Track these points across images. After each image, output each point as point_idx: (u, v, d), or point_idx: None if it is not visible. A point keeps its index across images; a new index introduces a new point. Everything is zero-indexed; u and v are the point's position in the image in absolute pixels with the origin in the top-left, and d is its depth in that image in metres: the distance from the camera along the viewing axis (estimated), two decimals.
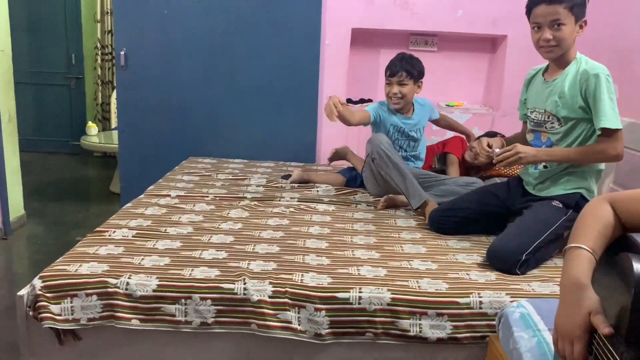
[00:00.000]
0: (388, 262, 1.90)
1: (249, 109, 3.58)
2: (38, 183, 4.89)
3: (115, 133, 5.04)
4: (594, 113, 1.95)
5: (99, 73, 5.90)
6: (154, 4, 3.43)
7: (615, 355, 0.85)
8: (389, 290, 1.68)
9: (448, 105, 3.76)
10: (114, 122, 5.60)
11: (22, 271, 3.28)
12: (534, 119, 2.16)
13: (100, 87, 5.95)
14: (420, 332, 1.63)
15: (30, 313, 1.65)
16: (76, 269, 1.73)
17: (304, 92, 3.52)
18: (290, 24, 3.45)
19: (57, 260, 1.80)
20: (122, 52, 3.44)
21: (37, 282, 1.67)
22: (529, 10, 2.05)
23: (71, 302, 1.67)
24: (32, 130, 5.93)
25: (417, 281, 1.74)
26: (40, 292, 1.66)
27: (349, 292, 1.67)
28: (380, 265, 1.87)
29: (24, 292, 1.67)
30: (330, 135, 3.60)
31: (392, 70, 2.69)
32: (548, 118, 2.10)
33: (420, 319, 1.64)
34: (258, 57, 3.51)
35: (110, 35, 5.80)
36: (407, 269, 1.85)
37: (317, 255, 1.94)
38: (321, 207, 2.55)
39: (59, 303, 1.67)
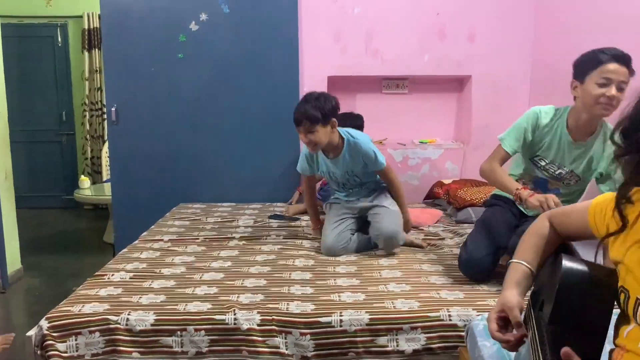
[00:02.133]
0: (367, 287, 2.07)
1: (234, 155, 3.80)
2: (33, 237, 5.01)
3: (106, 185, 5.22)
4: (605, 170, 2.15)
5: (88, 128, 6.11)
6: (142, 62, 3.67)
7: (542, 331, 1.03)
8: (367, 312, 1.84)
9: (422, 142, 4.00)
10: (105, 175, 5.78)
11: (21, 322, 3.38)
12: (552, 173, 2.22)
13: (89, 142, 6.15)
14: (397, 346, 1.80)
15: (38, 352, 1.79)
16: (79, 309, 1.88)
17: (286, 136, 3.74)
18: (270, 74, 3.71)
19: (62, 302, 1.95)
20: (113, 109, 3.67)
21: (44, 323, 1.82)
22: (596, 64, 1.98)
23: (76, 340, 1.82)
24: (26, 187, 6.08)
25: (392, 302, 1.91)
26: (47, 332, 1.80)
27: (331, 316, 1.83)
28: (360, 290, 2.04)
29: (32, 332, 1.81)
30: None
31: (295, 120, 2.48)
32: (570, 177, 2.21)
33: (396, 334, 1.80)
34: (241, 106, 3.75)
35: (99, 91, 6.04)
36: (383, 292, 2.03)
37: (301, 286, 2.11)
38: (306, 242, 2.72)
39: (65, 341, 1.81)
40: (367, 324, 1.81)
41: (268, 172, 3.80)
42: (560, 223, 1.23)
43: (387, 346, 1.80)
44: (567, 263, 1.05)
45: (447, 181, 3.61)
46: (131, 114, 3.71)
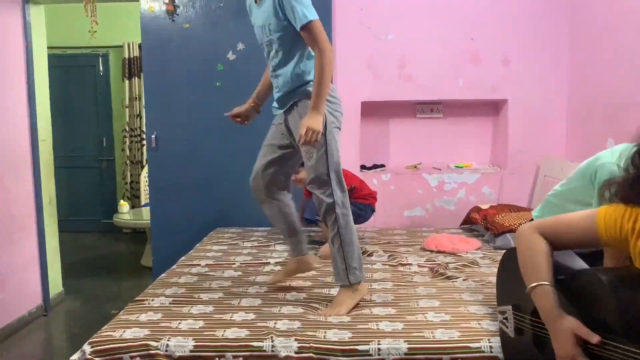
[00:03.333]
0: (405, 316, 2.05)
1: None
2: (74, 261, 5.14)
3: (144, 210, 5.33)
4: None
5: (128, 153, 6.28)
6: (181, 91, 3.77)
7: (627, 348, 1.02)
8: (405, 341, 1.82)
9: (457, 167, 3.97)
10: (143, 200, 5.91)
11: (62, 345, 3.46)
12: None
13: (129, 167, 6.31)
14: None
15: None
16: (121, 335, 1.91)
17: None
18: None
19: (104, 327, 1.99)
20: (153, 136, 3.76)
21: (87, 348, 1.86)
22: None
23: None
24: (66, 211, 6.26)
25: (431, 332, 1.89)
26: (89, 357, 1.84)
27: (369, 344, 1.82)
28: (397, 319, 2.02)
29: (75, 357, 1.85)
30: None
31: None
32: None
33: None
34: None
35: (138, 118, 6.22)
36: (422, 321, 2.00)
37: (337, 314, 2.10)
38: None
39: None
40: (405, 354, 1.79)
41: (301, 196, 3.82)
42: (558, 237, 1.27)
43: None
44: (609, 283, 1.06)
45: (484, 206, 3.56)
46: (170, 140, 3.79)
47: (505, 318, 1.48)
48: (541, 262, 1.25)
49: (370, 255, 2.98)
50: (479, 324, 1.95)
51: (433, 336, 1.85)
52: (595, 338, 1.08)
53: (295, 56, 2.16)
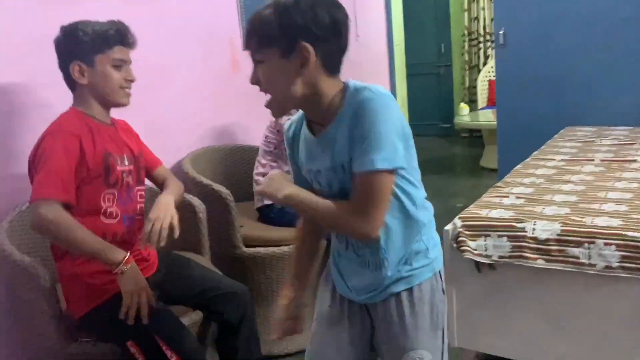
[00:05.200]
0: None
1: (627, 74, 3.41)
2: (418, 161, 5.62)
3: (482, 113, 5.41)
4: None
5: (466, 58, 6.36)
6: None
7: None
8: None
9: None
10: (480, 103, 5.98)
11: None
12: None
13: (467, 72, 6.41)
14: None
15: (454, 245, 2.04)
16: (487, 214, 2.05)
17: None
18: None
19: (471, 206, 2.16)
20: (501, 32, 3.71)
21: (458, 222, 2.06)
22: None
23: (485, 241, 2.00)
24: (407, 116, 6.81)
25: None
26: (460, 230, 2.04)
27: None
28: None
29: (448, 227, 2.07)
30: None
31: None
32: None
33: None
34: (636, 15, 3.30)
35: (476, 21, 6.19)
36: None
37: None
38: None
39: (475, 240, 2.01)
40: None
41: None
42: None
43: None
44: None
45: None
46: (518, 36, 3.69)
47: None
48: None
49: None
50: None
51: None
52: None
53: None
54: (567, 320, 1.91)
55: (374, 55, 3.90)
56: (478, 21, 6.12)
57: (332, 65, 1.22)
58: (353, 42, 3.85)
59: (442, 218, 2.18)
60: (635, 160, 2.58)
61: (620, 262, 1.76)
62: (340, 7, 1.20)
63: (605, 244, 1.79)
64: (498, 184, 2.42)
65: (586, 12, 3.45)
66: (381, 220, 1.22)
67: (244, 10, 2.96)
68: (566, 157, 2.76)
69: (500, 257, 1.97)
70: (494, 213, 2.06)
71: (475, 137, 6.32)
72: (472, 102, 6.40)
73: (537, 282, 1.95)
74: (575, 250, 1.84)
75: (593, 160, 2.67)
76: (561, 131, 3.42)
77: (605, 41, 3.43)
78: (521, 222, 1.95)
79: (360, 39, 3.80)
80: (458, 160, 5.86)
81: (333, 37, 1.19)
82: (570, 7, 3.49)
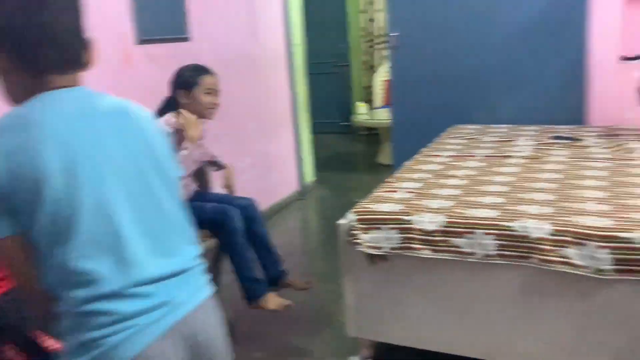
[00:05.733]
0: None
1: (511, 75, 3.69)
2: (319, 157, 5.73)
3: (379, 112, 5.60)
4: None
5: (364, 59, 6.54)
6: None
7: None
8: None
9: None
10: (376, 102, 6.18)
11: (316, 221, 4.00)
12: None
13: (364, 72, 6.60)
14: None
15: (348, 238, 2.10)
16: (378, 208, 2.13)
17: (569, 51, 3.47)
18: None
19: (363, 201, 2.23)
20: (395, 34, 3.86)
21: (351, 216, 2.11)
22: None
23: (376, 234, 2.07)
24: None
25: None
26: (353, 224, 2.10)
27: (633, 232, 1.72)
28: None
29: (342, 221, 2.13)
30: (600, 95, 3.47)
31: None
32: None
33: None
34: (519, 20, 3.58)
35: (373, 23, 6.38)
36: None
37: (596, 203, 2.01)
38: (596, 163, 2.55)
39: (367, 233, 2.08)
40: None
41: (548, 91, 3.60)
42: None
43: None
44: None
45: None
46: (412, 38, 3.86)
47: None
48: None
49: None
50: None
51: None
52: None
53: None
54: (454, 305, 2.04)
55: (271, 53, 3.91)
56: (374, 23, 6.33)
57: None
58: (249, 38, 3.77)
59: (342, 211, 2.26)
60: (511, 156, 2.79)
61: (497, 250, 1.91)
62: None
63: (485, 234, 1.92)
64: (389, 179, 2.52)
65: (474, 17, 3.68)
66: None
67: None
68: (452, 154, 2.93)
69: (392, 248, 2.06)
70: (385, 207, 2.14)
71: (374, 134, 6.53)
72: (370, 101, 6.60)
73: (426, 272, 2.06)
74: (458, 240, 1.96)
75: (476, 156, 2.86)
76: (449, 129, 3.63)
77: (491, 44, 3.68)
78: (409, 215, 2.05)
79: (257, 36, 3.79)
80: (357, 157, 6.03)
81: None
82: (460, 12, 3.70)
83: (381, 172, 4.90)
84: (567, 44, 3.49)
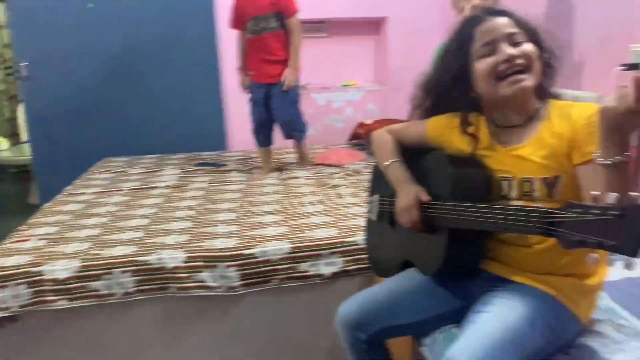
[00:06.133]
0: (289, 222, 2.18)
1: (156, 108, 3.77)
2: None
3: (25, 146, 5.02)
4: None
5: (4, 88, 5.80)
6: (50, 14, 3.51)
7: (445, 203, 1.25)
8: (289, 241, 1.95)
9: (344, 85, 4.08)
10: (23, 136, 5.54)
11: None
12: None
13: (5, 103, 5.85)
14: (318, 271, 1.92)
15: None
16: (2, 264, 1.88)
17: (207, 85, 3.73)
18: (186, 21, 3.66)
19: None
20: (24, 64, 3.51)
21: None
22: None
23: (3, 293, 1.82)
24: None
25: (313, 232, 2.03)
26: None
27: (254, 248, 1.93)
28: (282, 225, 2.14)
29: None
30: (237, 123, 3.82)
31: None
32: None
33: (317, 260, 1.93)
34: (159, 57, 3.68)
35: (8, 48, 5.71)
36: (306, 224, 2.14)
37: (227, 225, 2.18)
38: (232, 186, 2.79)
39: None
40: (288, 252, 1.92)
41: (192, 122, 3.79)
42: (399, 137, 1.53)
43: (308, 271, 1.92)
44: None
45: (368, 121, 3.73)
46: (44, 69, 3.56)
47: (372, 206, 1.64)
48: (391, 148, 1.51)
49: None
50: (356, 221, 2.12)
51: (314, 235, 2.00)
52: (425, 197, 1.32)
53: None
54: (101, 351, 1.93)
55: None
56: (10, 48, 5.66)
57: None
58: None
59: None
60: (156, 187, 2.83)
61: (136, 286, 1.89)
62: None
63: (122, 272, 1.88)
64: (20, 227, 2.26)
65: (107, 49, 3.62)
66: None
67: None
68: (98, 190, 2.81)
69: (21, 306, 1.85)
70: (11, 260, 1.90)
71: (25, 172, 5.84)
72: (16, 135, 5.88)
73: (66, 324, 1.90)
74: (96, 284, 1.88)
75: (122, 190, 2.81)
76: (97, 163, 3.48)
77: (129, 75, 3.67)
78: (39, 266, 1.87)
79: None
80: (6, 199, 5.28)
81: None
82: (94, 39, 3.59)
83: (34, 213, 4.40)
84: (203, 74, 3.75)
